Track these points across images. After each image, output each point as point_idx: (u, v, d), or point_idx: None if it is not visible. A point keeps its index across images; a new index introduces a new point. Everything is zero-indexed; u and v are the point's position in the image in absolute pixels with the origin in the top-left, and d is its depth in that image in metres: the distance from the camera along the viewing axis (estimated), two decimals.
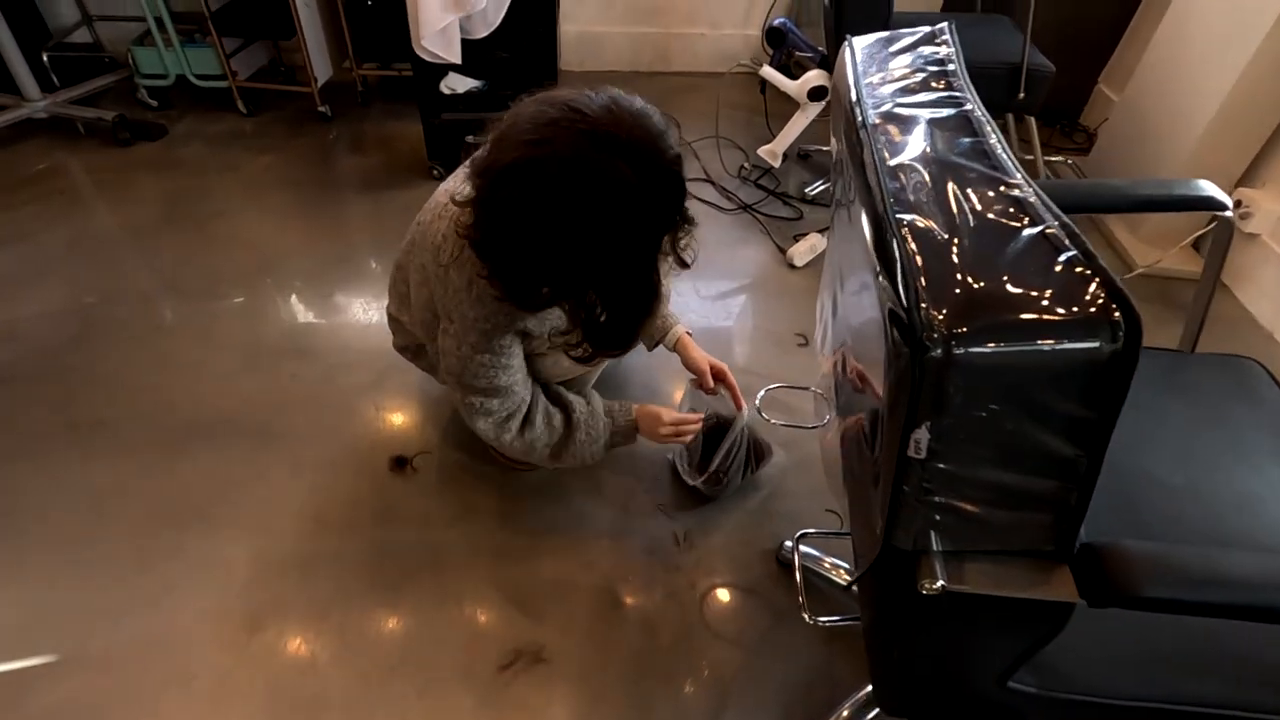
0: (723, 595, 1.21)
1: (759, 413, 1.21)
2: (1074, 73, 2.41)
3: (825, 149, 2.36)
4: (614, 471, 1.38)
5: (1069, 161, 2.33)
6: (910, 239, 0.45)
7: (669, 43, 2.78)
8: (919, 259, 0.45)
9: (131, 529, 1.26)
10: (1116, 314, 0.38)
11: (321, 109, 2.43)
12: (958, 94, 0.61)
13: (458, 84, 2.07)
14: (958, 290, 0.41)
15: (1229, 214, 0.87)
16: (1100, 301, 0.39)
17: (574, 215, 0.78)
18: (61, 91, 2.31)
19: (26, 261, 1.82)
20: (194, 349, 1.61)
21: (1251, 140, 1.86)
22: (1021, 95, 1.84)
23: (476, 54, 1.94)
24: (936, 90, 0.62)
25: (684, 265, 0.91)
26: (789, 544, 1.24)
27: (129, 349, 1.60)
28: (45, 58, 2.35)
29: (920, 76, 0.63)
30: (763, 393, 1.24)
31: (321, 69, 2.39)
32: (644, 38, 2.78)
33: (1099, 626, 0.67)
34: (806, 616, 1.02)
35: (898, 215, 0.47)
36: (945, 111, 0.57)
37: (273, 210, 2.05)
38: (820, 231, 1.97)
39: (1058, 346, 0.39)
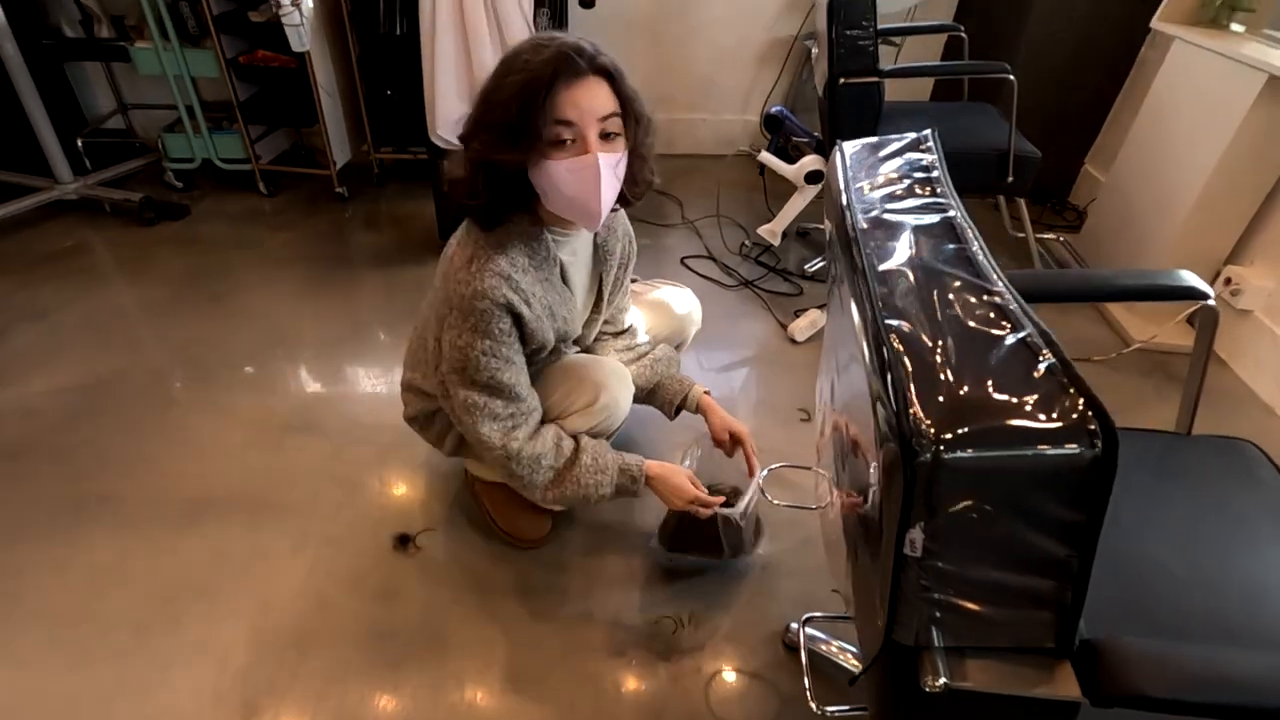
0: (728, 679, 1.19)
1: (761, 493, 1.22)
2: (1060, 154, 2.52)
3: (823, 227, 2.44)
4: (617, 550, 1.38)
5: (1060, 239, 2.40)
6: (899, 344, 0.48)
7: (672, 128, 2.91)
8: (907, 362, 0.47)
9: (130, 607, 1.25)
10: (1093, 425, 0.40)
11: (339, 190, 2.53)
12: (941, 200, 0.65)
13: None
14: (943, 397, 0.44)
15: (1212, 302, 0.90)
16: (1078, 411, 0.41)
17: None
18: (92, 174, 2.43)
19: (44, 337, 1.87)
20: (203, 423, 1.63)
21: (1236, 219, 1.92)
22: (1010, 179, 1.92)
23: None
24: (921, 196, 0.66)
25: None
26: (795, 626, 1.22)
27: (139, 424, 1.62)
28: (79, 143, 2.48)
29: (906, 183, 0.68)
30: (764, 472, 1.25)
31: (340, 153, 2.51)
32: None
33: None
34: (814, 706, 1.00)
35: (887, 321, 0.50)
36: (930, 218, 0.61)
37: (287, 286, 2.11)
38: (819, 307, 2.01)
39: (1041, 452, 0.41)
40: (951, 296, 0.51)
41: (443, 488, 1.49)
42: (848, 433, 0.67)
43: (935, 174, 0.69)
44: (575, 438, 1.18)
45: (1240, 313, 1.92)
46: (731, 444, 1.33)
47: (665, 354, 1.40)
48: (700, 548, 1.31)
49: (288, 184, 2.63)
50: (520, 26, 1.86)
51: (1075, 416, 0.41)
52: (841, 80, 1.85)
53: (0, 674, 1.15)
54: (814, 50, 2.43)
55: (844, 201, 0.68)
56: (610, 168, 0.99)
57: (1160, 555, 0.80)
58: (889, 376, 0.46)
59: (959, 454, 0.42)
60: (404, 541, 1.38)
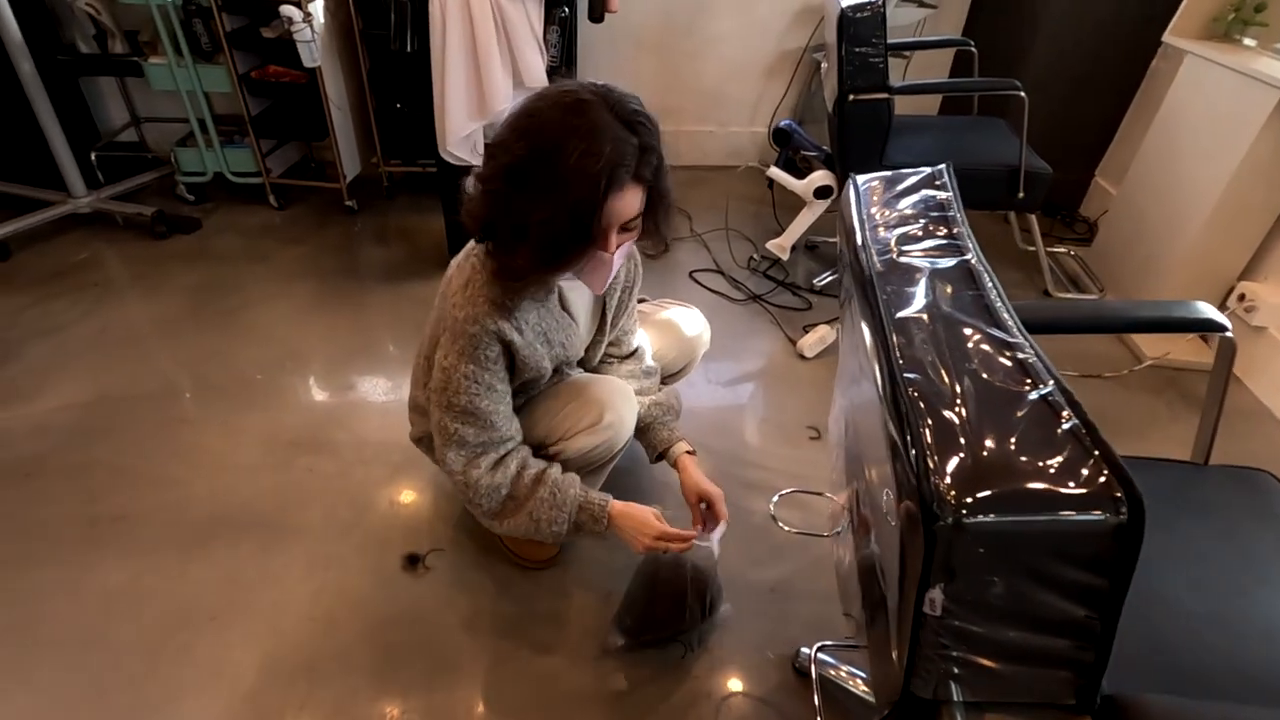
0: (738, 705, 1.18)
1: (773, 519, 1.21)
2: (1070, 167, 2.50)
3: (832, 240, 2.44)
4: (625, 571, 1.37)
5: (1071, 253, 2.39)
6: (918, 399, 0.48)
7: (679, 140, 2.91)
8: (927, 418, 0.47)
9: (141, 631, 1.25)
10: (1118, 492, 0.40)
11: (349, 203, 2.54)
12: (958, 241, 0.64)
13: None
14: (964, 456, 0.43)
15: (1230, 334, 0.89)
16: (1103, 479, 0.41)
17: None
18: (106, 188, 2.44)
19: (58, 353, 1.88)
20: (215, 441, 1.64)
21: (1250, 235, 1.90)
22: (1021, 195, 1.91)
23: None
24: (937, 236, 0.65)
25: None
26: (806, 651, 1.21)
27: (151, 442, 1.63)
28: (93, 157, 2.50)
29: (922, 222, 0.67)
30: (776, 498, 1.25)
31: (350, 166, 2.52)
32: None
33: None
34: None
35: (906, 374, 0.49)
36: (947, 262, 0.61)
37: (297, 301, 2.12)
38: (829, 323, 2.01)
39: (1063, 518, 0.41)
40: (970, 348, 0.50)
41: (450, 507, 1.49)
42: (865, 471, 0.66)
43: (951, 212, 0.69)
44: (543, 470, 1.15)
45: (1255, 329, 1.90)
46: (697, 507, 1.24)
47: (668, 400, 1.37)
48: (663, 620, 1.22)
49: (298, 197, 2.64)
50: (531, 45, 1.86)
51: (1100, 483, 0.40)
52: (851, 97, 1.84)
53: (15, 701, 1.16)
54: (823, 64, 2.43)
55: (859, 240, 0.67)
56: (622, 255, 1.05)
57: (1178, 593, 0.79)
58: (908, 435, 0.45)
59: (980, 519, 0.41)
60: (413, 562, 1.38)
